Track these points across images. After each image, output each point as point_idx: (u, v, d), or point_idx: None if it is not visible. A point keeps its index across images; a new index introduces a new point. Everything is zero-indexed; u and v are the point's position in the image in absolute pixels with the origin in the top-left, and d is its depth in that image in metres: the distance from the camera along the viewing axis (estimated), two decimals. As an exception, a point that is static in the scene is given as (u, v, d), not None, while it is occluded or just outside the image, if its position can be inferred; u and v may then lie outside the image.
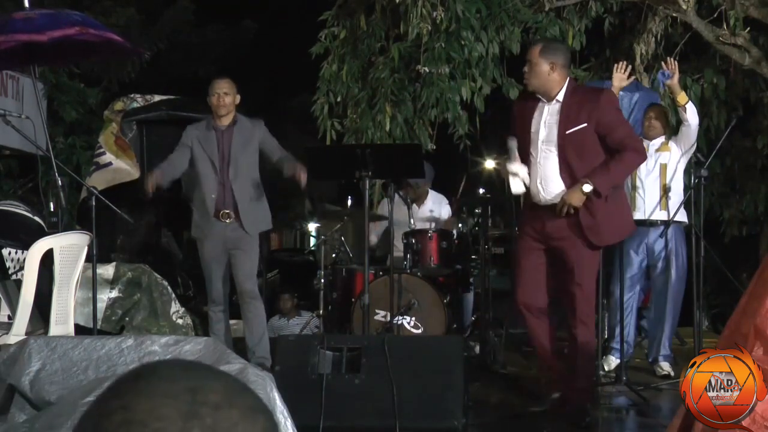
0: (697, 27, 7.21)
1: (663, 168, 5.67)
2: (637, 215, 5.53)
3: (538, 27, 7.38)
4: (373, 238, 6.72)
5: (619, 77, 5.35)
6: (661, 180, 5.66)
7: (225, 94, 5.40)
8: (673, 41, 7.66)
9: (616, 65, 5.50)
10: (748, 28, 7.15)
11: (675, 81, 5.49)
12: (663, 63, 5.56)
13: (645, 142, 5.75)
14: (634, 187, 5.49)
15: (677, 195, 5.74)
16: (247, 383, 3.05)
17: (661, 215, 5.62)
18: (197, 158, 5.46)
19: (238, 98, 5.48)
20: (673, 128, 6.23)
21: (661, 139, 5.80)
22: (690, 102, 5.66)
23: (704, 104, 7.56)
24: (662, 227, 5.56)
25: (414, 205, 6.56)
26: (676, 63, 5.56)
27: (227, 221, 5.42)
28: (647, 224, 5.63)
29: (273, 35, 15.46)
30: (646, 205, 5.67)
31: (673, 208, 5.62)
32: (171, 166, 5.51)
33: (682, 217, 5.72)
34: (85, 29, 4.91)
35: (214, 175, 5.42)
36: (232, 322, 5.88)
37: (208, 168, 5.43)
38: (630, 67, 5.50)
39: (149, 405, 0.81)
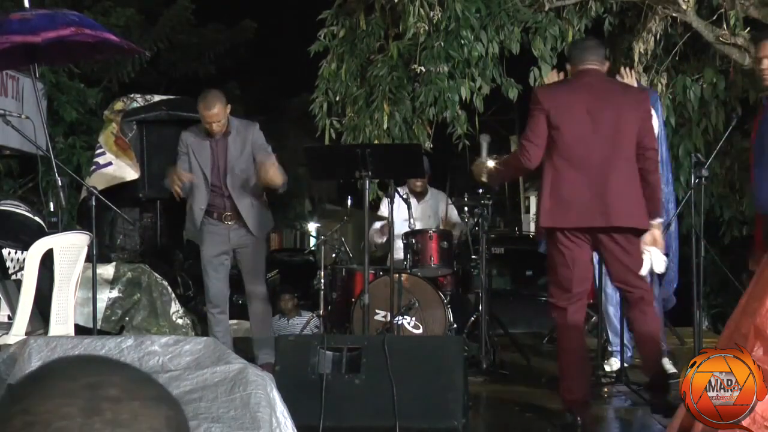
0: (697, 27, 7.20)
1: None
2: None
3: (537, 27, 7.38)
4: (382, 238, 6.70)
5: None
6: None
7: (217, 122, 5.26)
8: (673, 41, 7.66)
9: None
10: (748, 28, 7.14)
11: None
12: None
13: None
14: None
15: None
16: (248, 383, 3.02)
17: None
18: (192, 167, 5.39)
19: (228, 108, 5.32)
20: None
21: None
22: None
23: (704, 104, 7.56)
24: None
25: (414, 201, 6.56)
26: None
27: (229, 222, 5.41)
28: None
29: (273, 35, 15.47)
30: None
31: None
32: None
33: None
34: (80, 29, 4.89)
35: (204, 186, 5.34)
36: (232, 322, 5.86)
37: (199, 178, 5.34)
38: None
39: (49, 405, 0.82)
